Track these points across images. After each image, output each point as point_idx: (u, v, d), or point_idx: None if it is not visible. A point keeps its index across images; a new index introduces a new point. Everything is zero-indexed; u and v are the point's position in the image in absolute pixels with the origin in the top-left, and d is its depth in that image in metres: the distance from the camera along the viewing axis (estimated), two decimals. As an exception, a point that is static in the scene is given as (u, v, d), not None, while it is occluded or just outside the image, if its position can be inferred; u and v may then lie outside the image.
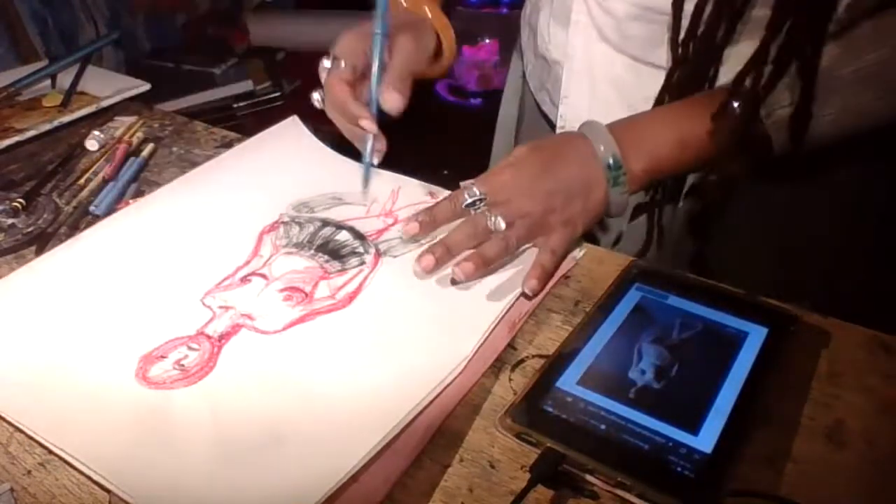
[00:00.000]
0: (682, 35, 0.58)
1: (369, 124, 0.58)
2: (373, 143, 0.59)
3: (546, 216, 0.53)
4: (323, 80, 0.56)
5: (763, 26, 0.54)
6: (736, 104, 0.55)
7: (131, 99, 0.88)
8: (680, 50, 0.58)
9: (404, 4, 0.65)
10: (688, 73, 0.59)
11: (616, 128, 0.56)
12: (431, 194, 0.64)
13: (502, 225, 0.52)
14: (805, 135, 0.54)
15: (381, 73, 0.56)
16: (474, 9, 1.97)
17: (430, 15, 0.64)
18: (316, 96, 0.59)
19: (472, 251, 0.52)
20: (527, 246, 0.55)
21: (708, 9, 0.55)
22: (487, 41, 1.93)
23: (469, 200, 0.54)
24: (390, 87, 0.56)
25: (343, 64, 0.55)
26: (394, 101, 0.57)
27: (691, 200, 0.69)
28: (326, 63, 0.55)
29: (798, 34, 0.52)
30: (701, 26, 0.56)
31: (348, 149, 0.66)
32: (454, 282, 0.52)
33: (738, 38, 0.56)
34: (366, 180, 0.60)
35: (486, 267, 0.51)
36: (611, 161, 0.54)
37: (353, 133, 0.61)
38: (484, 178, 0.55)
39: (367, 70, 0.57)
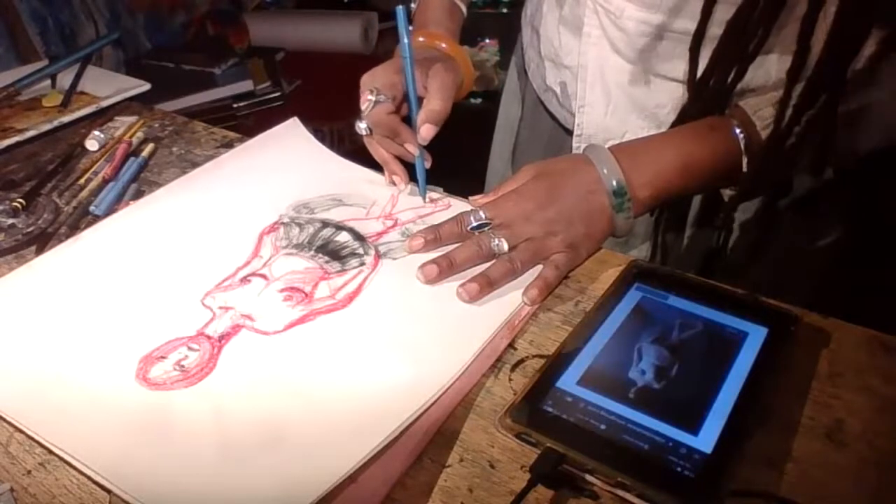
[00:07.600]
0: (698, 74, 0.60)
1: (413, 148, 0.61)
2: (423, 162, 0.63)
3: (547, 240, 0.54)
4: (365, 112, 0.61)
5: (774, 65, 0.58)
6: (739, 130, 0.57)
7: (131, 99, 0.88)
8: (695, 90, 0.60)
9: (421, 40, 0.68)
10: (699, 110, 0.61)
11: (620, 153, 0.56)
12: (431, 198, 0.64)
13: (505, 247, 0.54)
14: (827, 166, 0.58)
15: (418, 99, 0.61)
16: (474, 9, 1.97)
17: (449, 49, 0.68)
18: (363, 125, 0.62)
19: (477, 273, 0.53)
20: None
21: (721, 54, 0.58)
22: (487, 41, 1.93)
23: (475, 224, 0.55)
24: (427, 122, 0.60)
25: (383, 98, 0.60)
26: (428, 133, 0.60)
27: (697, 219, 0.69)
28: (371, 97, 0.60)
29: (820, 81, 0.54)
30: (714, 71, 0.59)
31: (348, 150, 0.68)
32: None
33: (749, 77, 0.59)
34: (423, 195, 0.64)
35: (490, 288, 0.52)
36: (615, 186, 0.55)
37: (395, 154, 0.64)
38: (490, 204, 0.57)
39: (405, 99, 0.61)
